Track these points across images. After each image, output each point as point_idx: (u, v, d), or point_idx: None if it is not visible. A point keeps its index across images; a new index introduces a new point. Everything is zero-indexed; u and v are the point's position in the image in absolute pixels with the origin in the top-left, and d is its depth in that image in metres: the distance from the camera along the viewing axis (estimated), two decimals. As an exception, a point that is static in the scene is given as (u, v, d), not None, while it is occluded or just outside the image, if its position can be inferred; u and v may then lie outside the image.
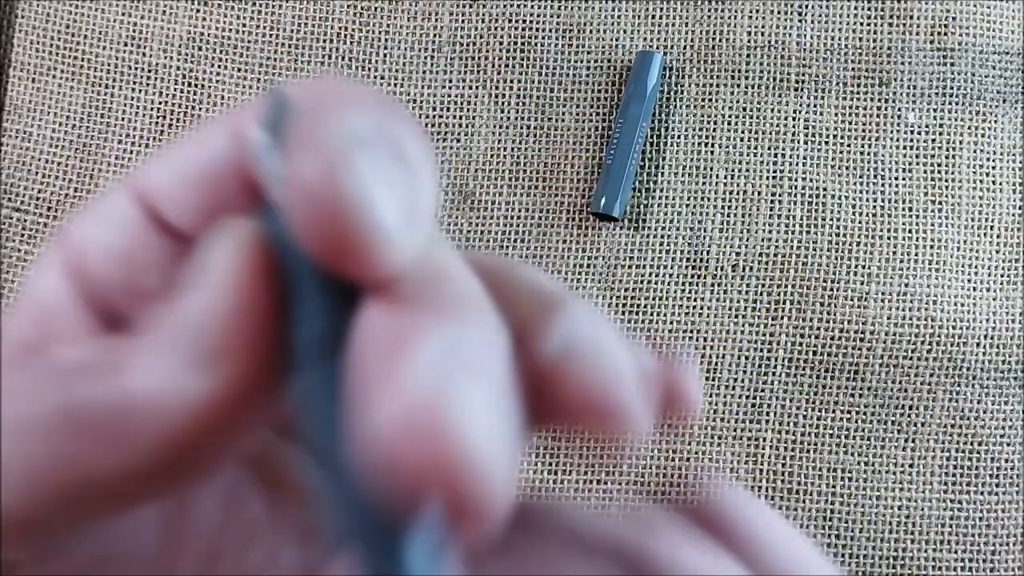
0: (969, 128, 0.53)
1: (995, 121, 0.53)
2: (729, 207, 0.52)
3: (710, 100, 0.54)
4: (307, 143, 0.15)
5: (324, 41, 0.55)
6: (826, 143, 0.53)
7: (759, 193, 0.52)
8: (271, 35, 0.55)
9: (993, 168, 0.52)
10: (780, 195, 0.52)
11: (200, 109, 0.54)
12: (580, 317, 0.17)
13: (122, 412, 0.15)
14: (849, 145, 0.53)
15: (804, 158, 0.53)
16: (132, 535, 0.18)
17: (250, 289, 0.16)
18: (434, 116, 0.54)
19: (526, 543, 0.17)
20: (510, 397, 0.15)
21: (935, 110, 0.53)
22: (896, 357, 0.51)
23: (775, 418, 0.50)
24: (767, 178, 0.53)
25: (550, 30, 0.54)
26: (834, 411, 0.50)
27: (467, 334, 0.15)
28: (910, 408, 0.50)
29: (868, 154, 0.53)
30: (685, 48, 0.54)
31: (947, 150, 0.53)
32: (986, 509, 0.49)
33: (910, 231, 0.52)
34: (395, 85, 0.54)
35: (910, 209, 0.52)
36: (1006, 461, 0.50)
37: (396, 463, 0.14)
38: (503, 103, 0.54)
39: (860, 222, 0.52)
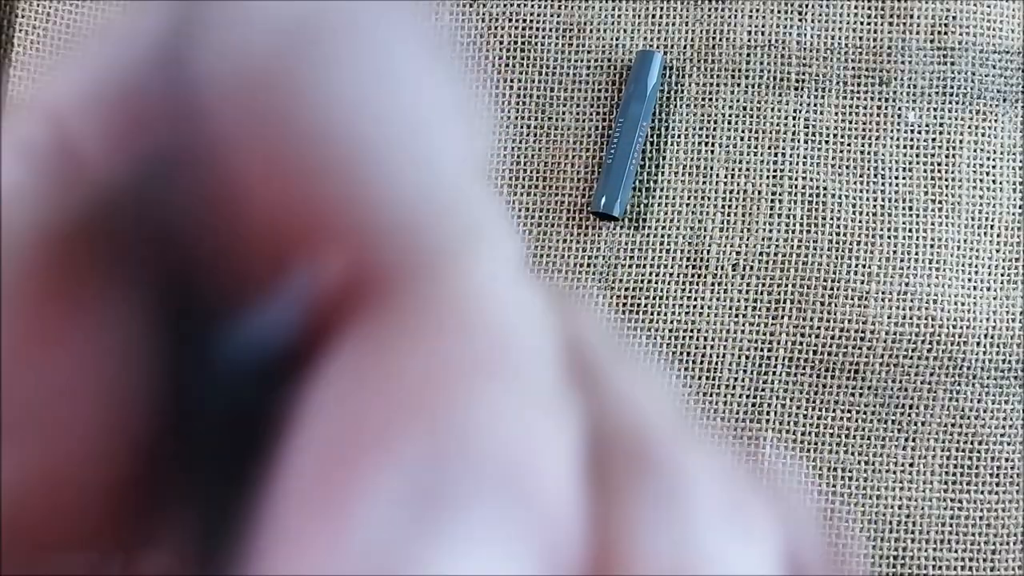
0: (969, 127, 0.53)
1: (995, 120, 0.53)
2: (729, 207, 0.53)
3: (710, 99, 0.54)
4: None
5: None
6: (826, 142, 0.53)
7: (759, 193, 0.53)
8: None
9: (993, 167, 0.53)
10: (780, 195, 0.52)
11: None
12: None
13: None
14: (849, 144, 0.53)
15: (804, 157, 0.53)
16: None
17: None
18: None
19: None
20: None
21: (935, 109, 0.53)
22: (896, 356, 0.51)
23: (775, 418, 0.50)
24: (767, 178, 0.53)
25: (550, 29, 0.55)
26: (834, 411, 0.50)
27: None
28: (910, 407, 0.50)
29: (868, 153, 0.53)
30: (685, 47, 0.54)
31: (947, 149, 0.53)
32: (986, 508, 0.49)
33: (910, 230, 0.52)
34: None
35: (910, 208, 0.52)
36: (1006, 460, 0.50)
37: None
38: (503, 102, 0.54)
39: (860, 221, 0.52)
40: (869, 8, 0.54)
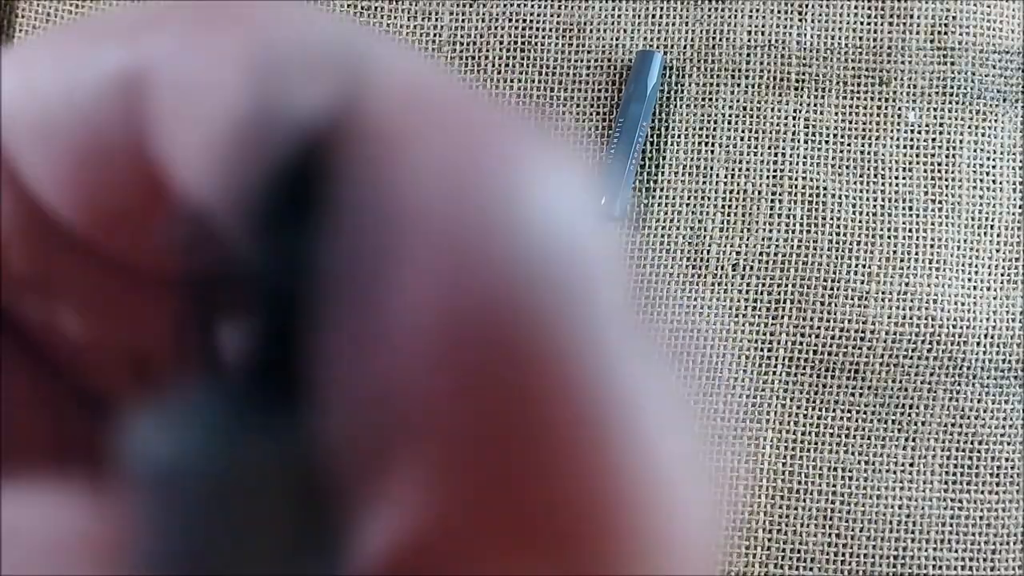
0: (969, 127, 0.53)
1: (995, 120, 0.53)
2: (729, 206, 0.53)
3: (710, 99, 0.54)
4: None
5: None
6: (826, 142, 0.53)
7: (759, 192, 0.53)
8: None
9: (993, 167, 0.53)
10: (780, 194, 0.53)
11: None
12: None
13: None
14: (849, 144, 0.53)
15: (804, 157, 0.53)
16: None
17: None
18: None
19: None
20: None
21: (935, 109, 0.53)
22: (896, 356, 0.51)
23: (775, 418, 0.50)
24: (767, 177, 0.53)
25: (550, 29, 0.55)
26: (834, 411, 0.50)
27: None
28: (910, 407, 0.50)
29: (868, 153, 0.53)
30: (685, 47, 0.54)
31: (947, 149, 0.53)
32: (986, 508, 0.50)
33: (910, 230, 0.52)
34: None
35: (910, 208, 0.52)
36: (1006, 460, 0.50)
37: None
38: (503, 102, 0.54)
39: (860, 221, 0.52)
40: (869, 8, 0.54)
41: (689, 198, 0.53)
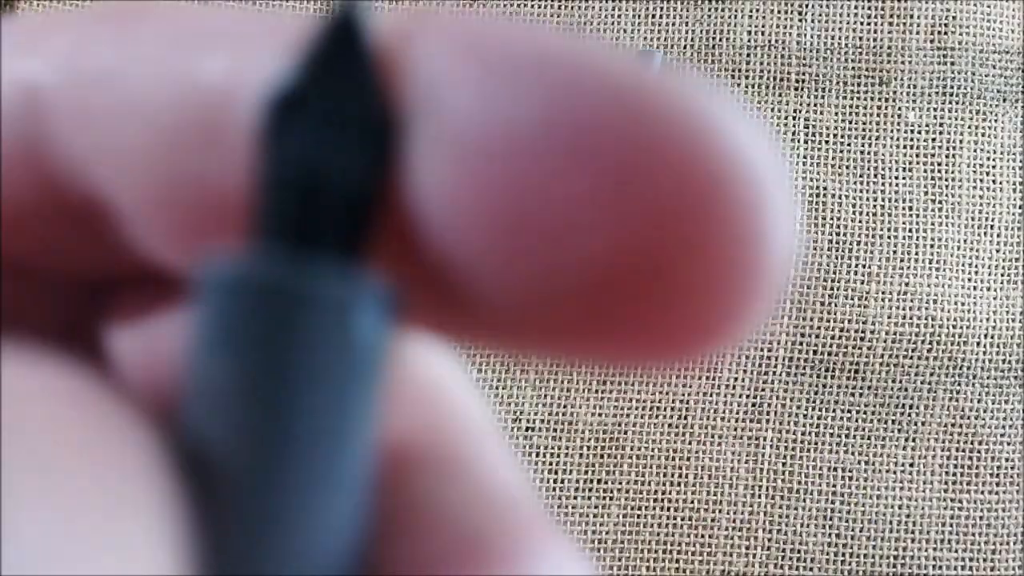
0: (969, 127, 0.53)
1: (995, 120, 0.53)
2: (729, 206, 0.53)
3: (710, 99, 0.54)
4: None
5: None
6: (826, 142, 0.53)
7: (759, 192, 0.53)
8: None
9: (993, 167, 0.53)
10: (780, 194, 0.53)
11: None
12: None
13: None
14: (849, 144, 0.53)
15: (804, 157, 0.53)
16: None
17: None
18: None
19: None
20: None
21: (935, 109, 0.53)
22: (896, 356, 0.51)
23: (775, 418, 0.50)
24: (767, 177, 0.53)
25: (550, 29, 0.55)
26: (834, 411, 0.50)
27: None
28: (910, 407, 0.51)
29: (868, 153, 0.53)
30: (685, 47, 0.54)
31: (947, 149, 0.53)
32: (986, 508, 0.50)
33: (910, 230, 0.52)
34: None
35: (910, 208, 0.53)
36: (1006, 460, 0.50)
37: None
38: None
39: (860, 221, 0.52)
40: (869, 8, 0.54)
41: (689, 198, 0.53)
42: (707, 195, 0.10)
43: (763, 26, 0.54)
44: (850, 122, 0.54)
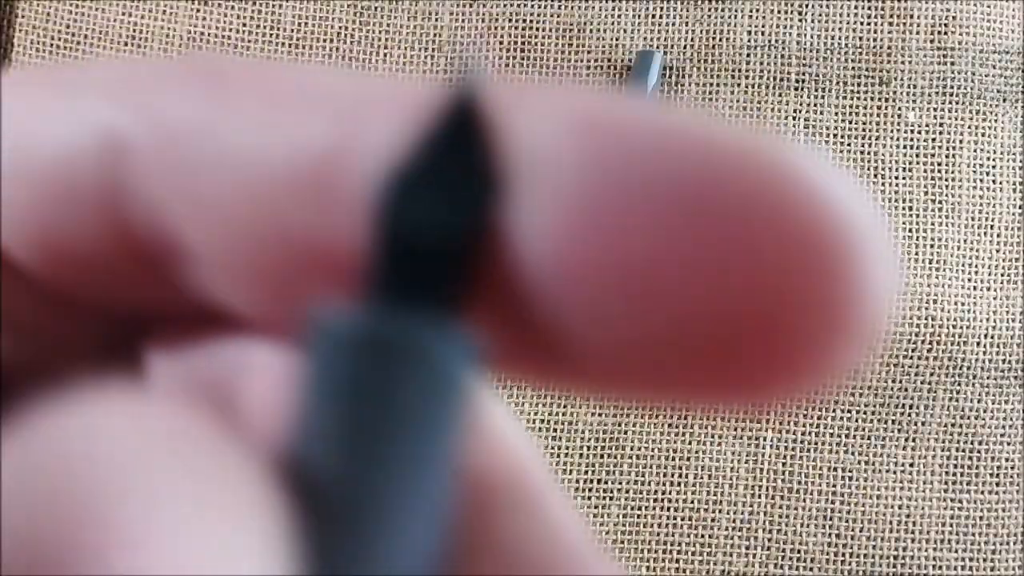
0: (969, 127, 0.53)
1: (995, 120, 0.53)
2: (729, 206, 0.53)
3: (710, 99, 0.54)
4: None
5: (324, 41, 0.55)
6: (826, 142, 0.53)
7: (759, 192, 0.53)
8: (271, 35, 0.55)
9: (993, 167, 0.53)
10: (780, 194, 0.53)
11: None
12: None
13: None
14: (849, 144, 0.53)
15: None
16: None
17: None
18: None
19: None
20: None
21: (935, 109, 0.54)
22: (896, 356, 0.51)
23: (775, 418, 0.50)
24: (767, 177, 0.53)
25: (550, 30, 0.55)
26: (834, 411, 0.50)
27: None
28: (910, 407, 0.51)
29: (868, 153, 0.53)
30: (685, 48, 0.54)
31: (947, 149, 0.53)
32: (986, 508, 0.50)
33: (910, 230, 0.52)
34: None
35: (910, 208, 0.53)
36: (1006, 460, 0.50)
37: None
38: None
39: (860, 221, 0.52)
40: (869, 8, 0.54)
41: (689, 198, 0.53)
42: (814, 252, 0.11)
43: (763, 26, 0.54)
44: (850, 122, 0.54)
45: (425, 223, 0.12)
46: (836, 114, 0.54)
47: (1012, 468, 0.50)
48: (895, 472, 0.50)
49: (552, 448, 0.50)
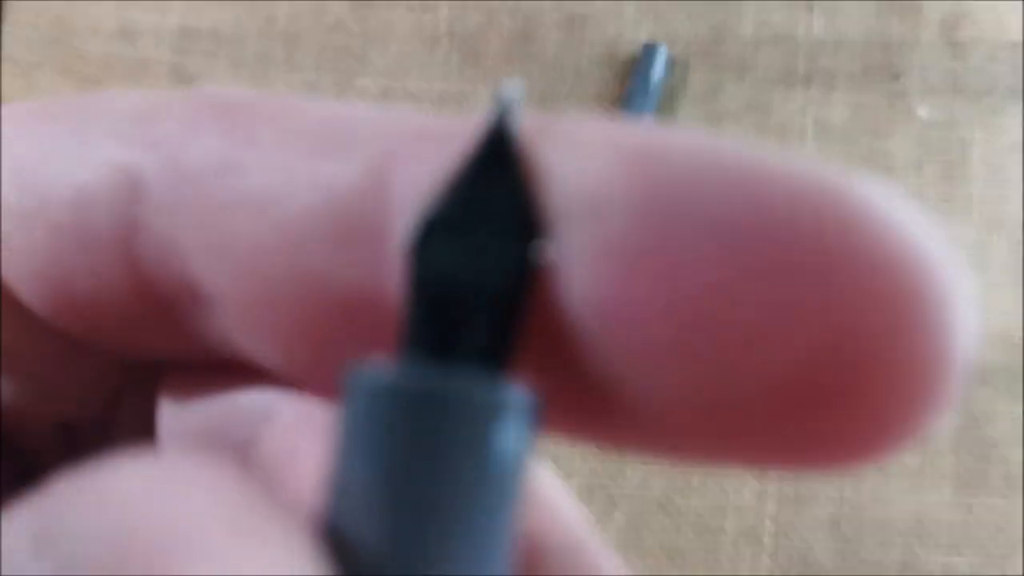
0: (981, 123, 0.53)
1: (1007, 117, 0.53)
2: (735, 204, 0.52)
3: (716, 94, 0.53)
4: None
5: (320, 34, 0.54)
6: (835, 139, 0.52)
7: (766, 190, 0.52)
8: (266, 28, 0.55)
9: (1006, 164, 0.52)
10: (787, 192, 0.52)
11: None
12: None
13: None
14: (858, 141, 0.52)
15: (813, 154, 0.52)
16: None
17: None
18: (432, 111, 0.53)
19: None
20: None
21: (947, 105, 0.53)
22: (906, 359, 0.50)
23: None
24: (774, 175, 0.52)
25: (551, 22, 0.54)
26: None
27: None
28: None
29: (878, 150, 0.52)
30: (690, 41, 0.54)
31: (959, 146, 0.53)
32: (998, 513, 0.49)
33: (921, 229, 0.52)
34: (392, 79, 0.53)
35: (921, 206, 0.52)
36: (1018, 464, 0.50)
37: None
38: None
39: (869, 220, 0.52)
40: (878, 1, 0.54)
41: (694, 196, 0.52)
42: (898, 298, 0.10)
43: (770, 19, 0.54)
44: (860, 118, 0.53)
45: (461, 269, 0.11)
46: (845, 110, 0.53)
47: (1024, 473, 0.50)
48: (905, 476, 0.49)
49: (555, 454, 0.50)
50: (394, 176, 0.12)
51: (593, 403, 0.12)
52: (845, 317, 0.10)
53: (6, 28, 0.54)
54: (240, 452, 0.14)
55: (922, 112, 0.53)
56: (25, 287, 0.14)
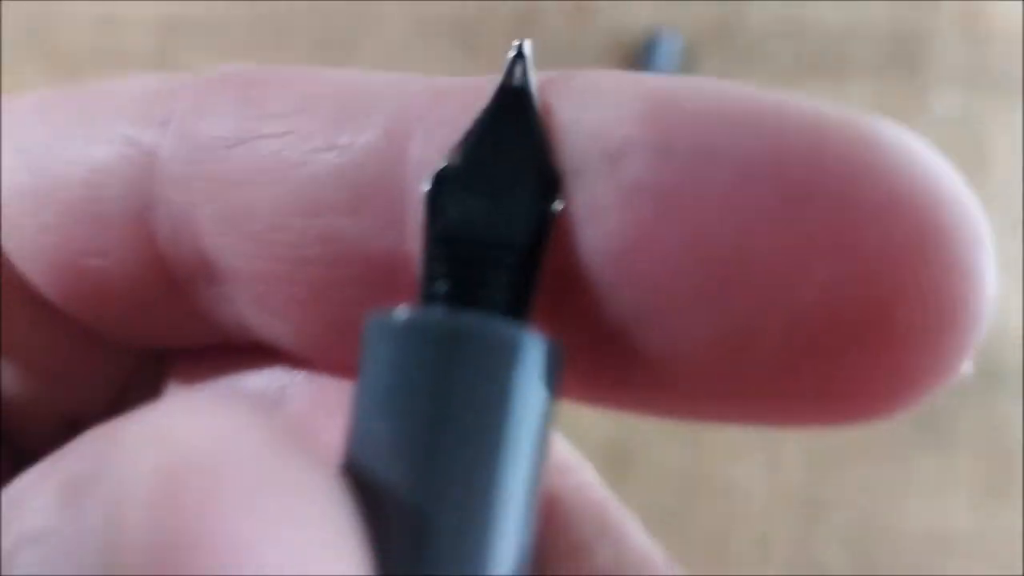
0: (1001, 119, 0.52)
1: (1027, 110, 0.52)
2: (746, 201, 0.51)
3: (725, 85, 0.52)
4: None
5: (311, 22, 0.53)
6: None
7: (778, 186, 0.51)
8: (254, 16, 0.54)
9: (1026, 159, 0.52)
10: (801, 188, 0.51)
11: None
12: None
13: None
14: (874, 134, 0.52)
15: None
16: None
17: None
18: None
19: None
20: None
21: (965, 98, 0.52)
22: (924, 362, 0.49)
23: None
24: (787, 169, 0.51)
25: (555, 8, 0.53)
26: (858, 420, 0.49)
27: None
28: (939, 416, 0.49)
29: (894, 144, 0.52)
30: (700, 29, 0.53)
31: (978, 141, 0.52)
32: (1020, 521, 0.48)
33: (939, 227, 0.51)
34: (387, 70, 0.52)
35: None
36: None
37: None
38: (504, 88, 0.53)
39: (886, 217, 0.51)
40: (895, -12, 0.53)
41: (703, 191, 0.52)
42: (925, 232, 0.10)
43: (782, 7, 0.53)
44: (875, 111, 0.52)
45: (479, 220, 0.12)
46: (859, 102, 0.52)
47: (1046, 480, 0.49)
48: (922, 484, 0.49)
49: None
50: (413, 137, 0.12)
51: (611, 357, 0.12)
52: (870, 248, 0.10)
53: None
54: None
55: (938, 109, 0.52)
56: (37, 271, 0.14)
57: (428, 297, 0.12)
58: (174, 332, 0.15)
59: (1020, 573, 0.48)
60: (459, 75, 0.13)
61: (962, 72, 0.52)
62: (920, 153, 0.11)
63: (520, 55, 0.12)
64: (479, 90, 0.12)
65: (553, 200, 0.11)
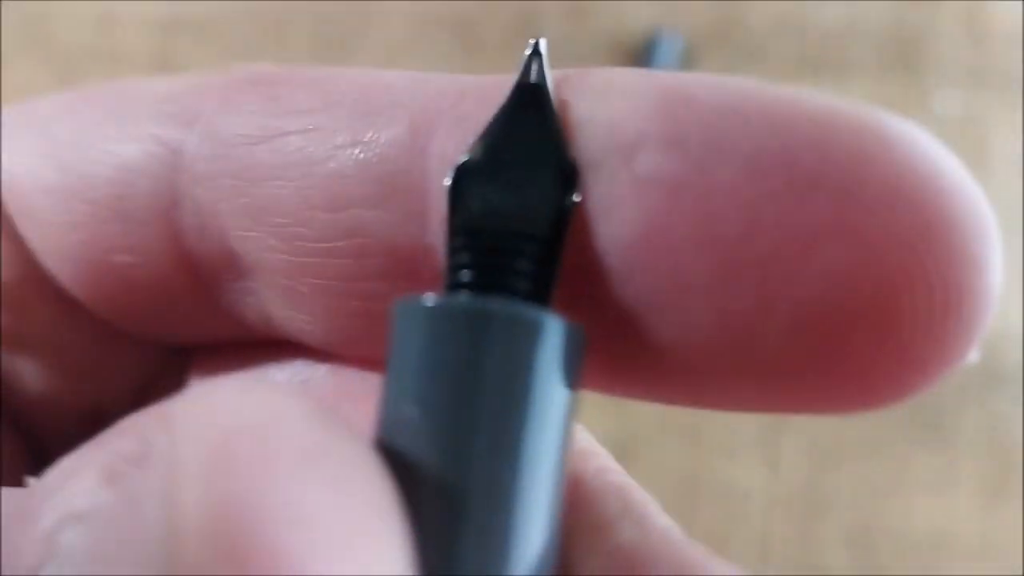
0: (1001, 118, 0.52)
1: (1030, 108, 0.52)
2: (746, 200, 0.51)
3: (726, 85, 0.52)
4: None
5: (311, 21, 0.53)
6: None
7: (779, 185, 0.51)
8: (253, 15, 0.54)
9: (1028, 158, 0.52)
10: (801, 188, 0.51)
11: (179, 94, 0.53)
12: None
13: None
14: (875, 134, 0.52)
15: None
16: None
17: None
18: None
19: None
20: None
21: (966, 97, 0.52)
22: (925, 362, 0.49)
23: (796, 429, 0.49)
24: (787, 169, 0.51)
25: (555, 8, 0.53)
26: (859, 421, 0.49)
27: None
28: (939, 416, 0.49)
29: (895, 143, 0.52)
30: (700, 29, 0.53)
31: (979, 140, 0.52)
32: (1020, 522, 0.49)
33: (940, 226, 0.51)
34: (387, 69, 0.52)
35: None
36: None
37: None
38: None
39: (887, 217, 0.51)
40: (896, -13, 0.53)
41: (704, 191, 0.52)
42: (939, 228, 0.11)
43: (782, 7, 0.53)
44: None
45: (501, 209, 0.12)
46: (860, 101, 0.52)
47: (1048, 480, 0.49)
48: (925, 484, 0.49)
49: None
50: (435, 132, 0.13)
51: (624, 344, 0.12)
52: (876, 237, 0.11)
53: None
54: None
55: (939, 105, 0.52)
56: (64, 268, 0.14)
57: (452, 286, 0.12)
58: (198, 328, 0.15)
59: (1021, 573, 0.48)
60: (461, 72, 0.13)
61: (963, 72, 0.52)
62: (926, 145, 0.11)
63: (536, 53, 0.13)
64: (497, 87, 0.13)
65: (571, 192, 0.12)
